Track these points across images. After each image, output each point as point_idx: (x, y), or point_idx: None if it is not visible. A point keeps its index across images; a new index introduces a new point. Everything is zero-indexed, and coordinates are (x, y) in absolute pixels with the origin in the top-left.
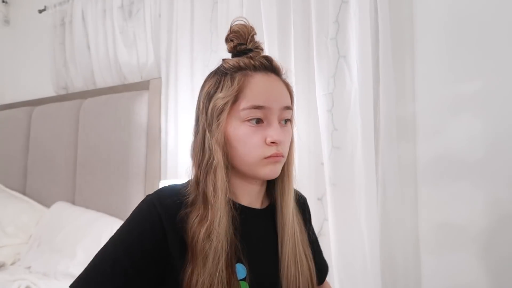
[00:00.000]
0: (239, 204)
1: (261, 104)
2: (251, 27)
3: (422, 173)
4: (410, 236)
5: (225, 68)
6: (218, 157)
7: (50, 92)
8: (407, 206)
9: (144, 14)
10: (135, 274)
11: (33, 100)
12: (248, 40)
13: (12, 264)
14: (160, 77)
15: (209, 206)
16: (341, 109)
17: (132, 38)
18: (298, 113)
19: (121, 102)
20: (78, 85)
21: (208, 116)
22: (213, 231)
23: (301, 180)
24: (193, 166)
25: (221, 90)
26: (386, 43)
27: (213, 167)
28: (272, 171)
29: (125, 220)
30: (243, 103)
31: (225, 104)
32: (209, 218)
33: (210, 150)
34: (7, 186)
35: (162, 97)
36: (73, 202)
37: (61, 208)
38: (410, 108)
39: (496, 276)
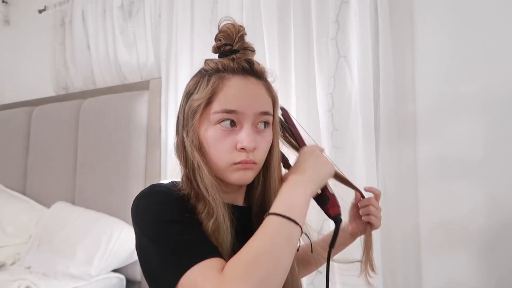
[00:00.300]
0: (226, 202)
1: (233, 108)
2: (240, 27)
3: (422, 173)
4: (410, 236)
5: (204, 69)
6: (196, 158)
7: (50, 92)
8: (407, 206)
9: (144, 14)
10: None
11: (33, 100)
12: (235, 41)
13: (12, 264)
14: (160, 77)
15: (208, 203)
16: (341, 109)
17: (132, 38)
18: (298, 113)
19: (121, 102)
20: (78, 85)
21: (185, 117)
22: (220, 225)
23: None
24: (180, 165)
25: (197, 91)
26: (386, 43)
27: (196, 167)
28: (241, 178)
29: (144, 218)
30: (215, 106)
31: (198, 106)
32: (214, 212)
33: (188, 151)
34: (7, 186)
35: (162, 97)
36: (73, 202)
37: (61, 208)
38: (410, 108)
39: (496, 275)
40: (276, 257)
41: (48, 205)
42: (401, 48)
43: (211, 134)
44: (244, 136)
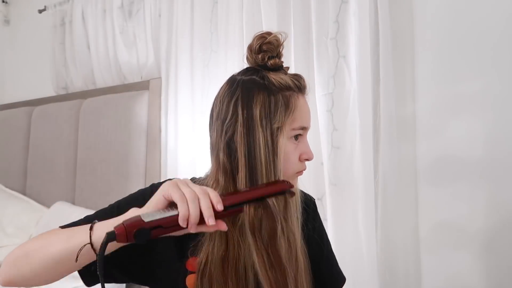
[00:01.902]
0: None
1: (305, 125)
2: (282, 42)
3: (422, 173)
4: (410, 236)
5: (274, 85)
6: (276, 165)
7: (50, 92)
8: (407, 206)
9: (144, 14)
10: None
11: (33, 100)
12: (280, 52)
13: None
14: (160, 77)
15: None
16: (340, 109)
17: (132, 38)
18: None
19: (121, 102)
20: (78, 85)
21: (269, 135)
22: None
23: (301, 180)
24: (227, 165)
25: (278, 109)
26: (386, 43)
27: (264, 169)
28: (295, 184)
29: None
30: (294, 123)
31: (284, 124)
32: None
33: (263, 158)
34: (7, 186)
35: (162, 97)
36: (73, 202)
37: (61, 208)
38: (410, 108)
39: (496, 275)
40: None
41: (48, 205)
42: (401, 48)
43: (286, 147)
44: (309, 149)
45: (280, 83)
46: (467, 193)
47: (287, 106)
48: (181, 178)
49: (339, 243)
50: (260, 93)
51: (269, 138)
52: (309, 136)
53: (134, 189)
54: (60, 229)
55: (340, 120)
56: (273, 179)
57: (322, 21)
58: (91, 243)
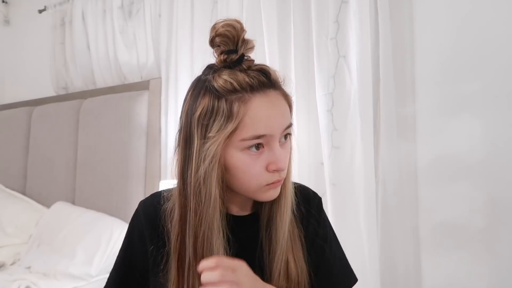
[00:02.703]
0: (230, 214)
1: (262, 133)
2: (240, 27)
3: (422, 173)
4: (410, 236)
5: (216, 89)
6: (214, 192)
7: (50, 92)
8: (407, 206)
9: (144, 14)
10: (126, 276)
11: (33, 100)
12: (239, 45)
13: (12, 264)
14: (160, 77)
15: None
16: (341, 109)
17: (132, 38)
18: (298, 113)
19: (121, 102)
20: (78, 85)
21: (204, 143)
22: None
23: (301, 180)
24: (179, 179)
25: (219, 117)
26: (386, 43)
27: (207, 199)
28: (272, 195)
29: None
30: (243, 133)
31: (224, 137)
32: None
33: (205, 180)
34: (7, 186)
35: (162, 97)
36: (73, 202)
37: (61, 208)
38: (410, 108)
39: (496, 275)
40: None
41: (48, 205)
42: (401, 48)
43: (239, 160)
44: (277, 158)
45: (224, 86)
46: (467, 193)
47: (229, 114)
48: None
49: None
50: (205, 97)
51: (203, 150)
52: (309, 136)
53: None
54: None
55: (340, 120)
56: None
57: (322, 21)
58: None
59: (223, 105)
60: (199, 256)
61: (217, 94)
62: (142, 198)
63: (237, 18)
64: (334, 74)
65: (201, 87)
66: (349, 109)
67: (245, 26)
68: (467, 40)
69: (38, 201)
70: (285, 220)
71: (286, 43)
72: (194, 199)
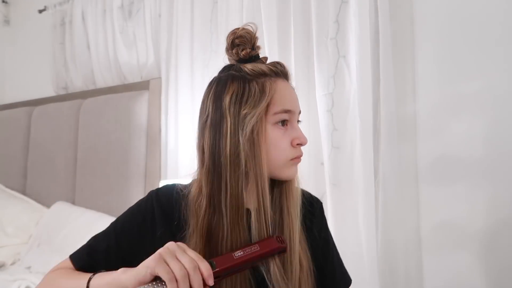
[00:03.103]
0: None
1: (289, 108)
2: (255, 33)
3: (422, 173)
4: (410, 236)
5: (248, 73)
6: (260, 159)
7: (50, 92)
8: (407, 206)
9: (144, 14)
10: (116, 256)
11: (33, 100)
12: (256, 45)
13: (12, 264)
14: (160, 77)
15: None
16: (341, 109)
17: (132, 38)
18: None
19: (121, 102)
20: (78, 85)
21: (240, 121)
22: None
23: (301, 180)
24: (222, 175)
25: (252, 96)
26: (386, 43)
27: (254, 172)
28: (295, 172)
29: (130, 207)
30: (275, 107)
31: (260, 111)
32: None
33: (244, 157)
34: (7, 186)
35: (162, 97)
36: (73, 202)
37: (61, 208)
38: (410, 108)
39: (497, 275)
40: None
41: (48, 205)
42: (401, 48)
43: (272, 133)
44: (300, 133)
45: (254, 70)
46: (467, 193)
47: (263, 91)
48: (177, 179)
49: (339, 243)
50: (234, 83)
51: (238, 125)
52: (309, 136)
53: (134, 189)
54: (62, 275)
55: (340, 120)
56: (240, 169)
57: (322, 21)
58: None
59: (254, 85)
60: (232, 224)
61: (247, 78)
62: (142, 198)
63: (251, 24)
64: (334, 74)
65: (225, 79)
66: (349, 109)
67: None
68: (467, 39)
69: (38, 201)
70: (296, 207)
71: (286, 43)
72: (231, 170)
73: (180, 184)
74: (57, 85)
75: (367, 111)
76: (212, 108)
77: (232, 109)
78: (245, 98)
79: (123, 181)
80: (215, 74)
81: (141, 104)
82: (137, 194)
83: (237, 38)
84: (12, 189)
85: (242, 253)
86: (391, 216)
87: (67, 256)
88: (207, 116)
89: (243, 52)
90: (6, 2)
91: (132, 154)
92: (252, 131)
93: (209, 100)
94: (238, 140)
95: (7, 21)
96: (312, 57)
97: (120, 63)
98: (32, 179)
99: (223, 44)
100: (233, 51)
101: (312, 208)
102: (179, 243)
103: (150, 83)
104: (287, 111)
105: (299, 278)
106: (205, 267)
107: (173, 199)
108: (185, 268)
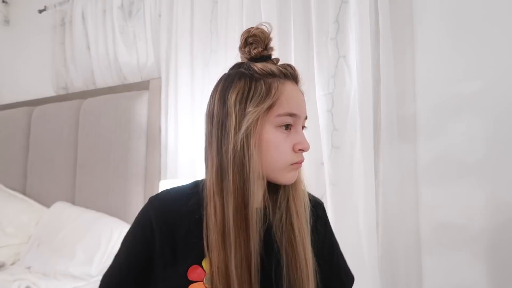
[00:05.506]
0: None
1: (294, 111)
2: (270, 30)
3: (422, 173)
4: (410, 236)
5: (256, 72)
6: (256, 163)
7: (50, 92)
8: (408, 206)
9: (144, 14)
10: (127, 271)
11: (33, 100)
12: (269, 45)
13: (12, 264)
14: (160, 77)
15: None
16: (341, 109)
17: (132, 38)
18: None
19: (121, 102)
20: (78, 85)
21: (244, 120)
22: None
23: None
24: (227, 173)
25: (258, 95)
26: (386, 43)
27: (250, 174)
28: (293, 177)
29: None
30: (279, 110)
31: (263, 110)
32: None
33: (247, 156)
34: (7, 186)
35: (162, 97)
36: (73, 202)
37: (61, 208)
38: (410, 108)
39: (497, 275)
40: None
41: (48, 205)
42: (401, 48)
43: (273, 136)
44: (302, 139)
45: (263, 69)
46: (467, 193)
47: (269, 91)
48: (177, 179)
49: (339, 243)
50: (241, 81)
51: (242, 123)
52: (309, 136)
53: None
54: None
55: (340, 120)
56: (244, 167)
57: (322, 21)
58: None
59: (261, 84)
60: (238, 224)
61: (255, 76)
62: (142, 198)
63: (266, 23)
64: (334, 74)
65: (234, 76)
66: (349, 109)
67: (246, 27)
68: (467, 40)
69: (38, 201)
70: (302, 210)
71: (286, 43)
72: (234, 168)
73: (180, 186)
74: (57, 85)
75: (367, 111)
76: (219, 105)
77: (237, 107)
78: (250, 96)
79: (123, 181)
80: (215, 74)
81: (141, 104)
82: (137, 194)
83: (250, 36)
84: (12, 189)
85: None
86: (391, 216)
87: (66, 256)
88: (213, 112)
89: (254, 51)
90: (6, 2)
91: (132, 154)
92: (246, 129)
93: (216, 95)
94: (244, 138)
95: (7, 21)
96: (312, 57)
97: (120, 63)
98: (32, 179)
99: (223, 44)
100: (246, 49)
101: (315, 209)
102: None
103: (150, 83)
104: (291, 115)
105: (303, 277)
106: None
107: (170, 202)
108: None
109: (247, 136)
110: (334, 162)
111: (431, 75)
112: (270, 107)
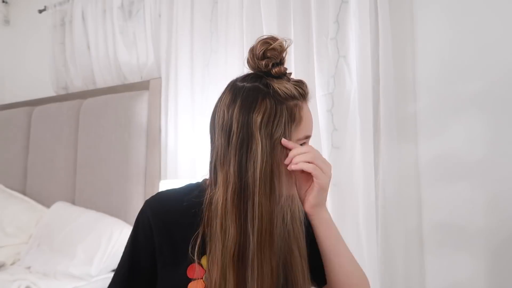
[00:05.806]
0: None
1: (309, 134)
2: (286, 47)
3: (422, 173)
4: (411, 236)
5: (279, 94)
6: (285, 187)
7: (50, 92)
8: (407, 206)
9: (144, 14)
10: (134, 274)
11: (33, 100)
12: (283, 60)
13: (12, 264)
14: (160, 77)
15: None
16: (340, 109)
17: (132, 38)
18: None
19: (121, 102)
20: (78, 85)
21: (274, 145)
22: None
23: None
24: (252, 197)
25: (283, 121)
26: (386, 43)
27: (282, 198)
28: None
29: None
30: (300, 134)
31: (289, 137)
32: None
33: (276, 181)
34: (7, 186)
35: (162, 97)
36: (73, 202)
37: (61, 208)
38: (410, 108)
39: (498, 275)
40: None
41: (48, 205)
42: (401, 48)
43: None
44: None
45: (285, 92)
46: (467, 193)
47: (293, 117)
48: (177, 179)
49: None
50: (264, 101)
51: (271, 149)
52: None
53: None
54: None
55: (340, 120)
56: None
57: (322, 21)
58: None
59: (284, 109)
60: (262, 245)
61: (279, 99)
62: (142, 198)
63: (276, 36)
64: (334, 74)
65: (254, 93)
66: (349, 109)
67: (246, 27)
68: (467, 40)
69: (38, 201)
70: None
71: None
72: (261, 192)
73: (175, 188)
74: (57, 85)
75: (367, 111)
76: (238, 123)
77: (263, 131)
78: (276, 121)
79: (123, 181)
80: (215, 73)
81: (141, 104)
82: (137, 194)
83: (269, 50)
84: (12, 189)
85: None
86: (391, 216)
87: (66, 256)
88: (231, 128)
89: (275, 69)
90: (6, 2)
91: (132, 154)
92: (275, 156)
93: (235, 110)
94: (272, 164)
95: (7, 21)
96: (312, 57)
97: (120, 63)
98: (32, 179)
99: (223, 44)
100: (263, 62)
101: None
102: None
103: (150, 83)
104: (307, 137)
105: (298, 274)
106: None
107: (167, 204)
108: None
109: (277, 162)
110: (334, 162)
111: (431, 75)
112: (292, 132)
